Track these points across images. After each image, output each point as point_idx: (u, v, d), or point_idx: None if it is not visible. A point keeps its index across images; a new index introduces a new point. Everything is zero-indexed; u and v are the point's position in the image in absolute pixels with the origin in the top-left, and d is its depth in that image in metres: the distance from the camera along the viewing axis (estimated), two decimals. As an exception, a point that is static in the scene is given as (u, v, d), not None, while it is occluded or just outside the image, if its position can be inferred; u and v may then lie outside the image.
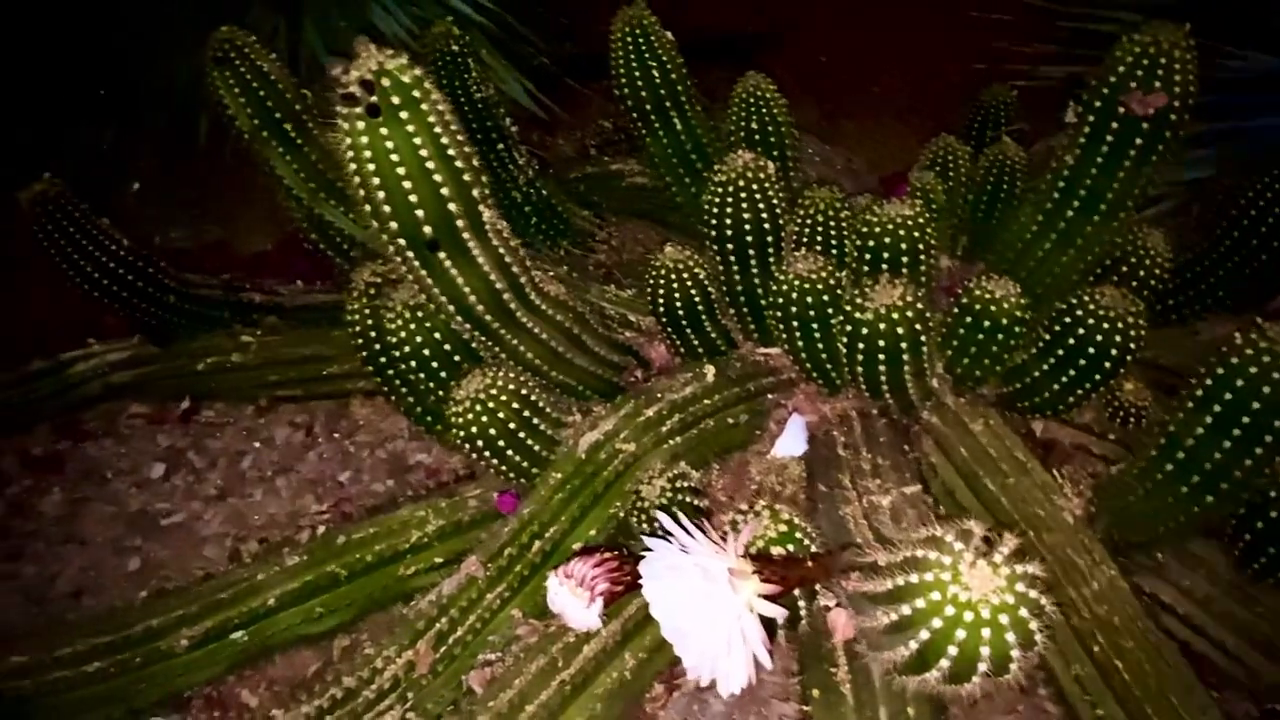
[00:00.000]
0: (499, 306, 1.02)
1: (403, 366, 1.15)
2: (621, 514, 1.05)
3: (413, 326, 1.10)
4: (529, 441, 1.07)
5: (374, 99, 0.83)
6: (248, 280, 1.49)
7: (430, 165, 0.88)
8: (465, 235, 0.93)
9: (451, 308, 1.01)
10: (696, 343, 1.22)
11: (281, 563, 1.08)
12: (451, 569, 1.07)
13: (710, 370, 1.17)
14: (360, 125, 0.85)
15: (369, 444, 1.36)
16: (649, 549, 0.76)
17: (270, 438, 1.37)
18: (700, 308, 1.18)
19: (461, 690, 0.97)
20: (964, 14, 1.71)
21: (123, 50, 1.58)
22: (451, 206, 0.91)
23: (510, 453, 1.06)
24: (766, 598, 0.70)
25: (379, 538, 1.12)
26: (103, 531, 1.25)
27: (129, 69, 1.59)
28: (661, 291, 1.17)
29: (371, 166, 0.87)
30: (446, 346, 1.11)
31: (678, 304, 1.17)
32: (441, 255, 0.94)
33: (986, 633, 0.64)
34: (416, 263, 0.95)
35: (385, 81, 0.84)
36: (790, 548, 0.83)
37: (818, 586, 0.85)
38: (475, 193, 0.92)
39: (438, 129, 0.87)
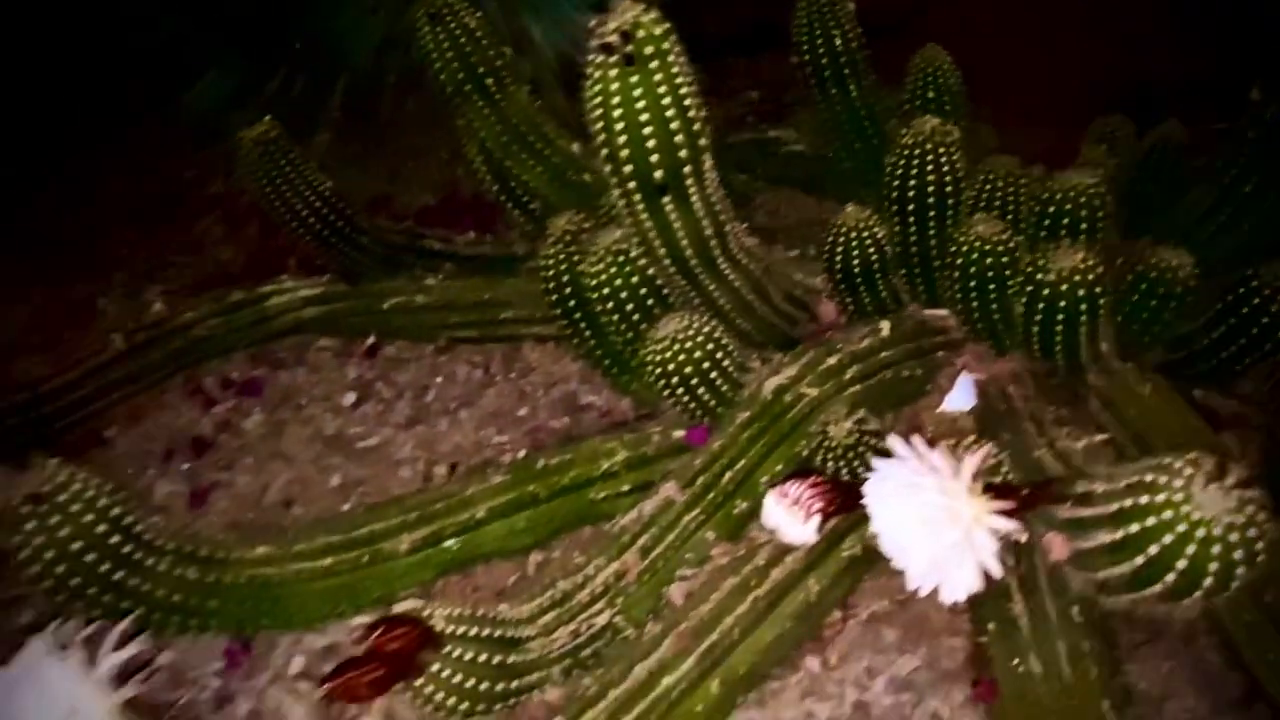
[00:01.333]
0: (705, 252, 1.10)
1: (597, 308, 1.22)
2: (805, 453, 1.12)
3: (613, 270, 1.17)
4: (718, 382, 1.14)
5: (629, 49, 0.91)
6: (426, 229, 1.59)
7: (670, 114, 0.95)
8: (689, 182, 1.01)
9: (663, 251, 1.09)
10: (868, 301, 1.28)
11: (487, 481, 1.17)
12: (637, 497, 1.15)
13: (885, 325, 1.23)
14: (614, 73, 0.93)
15: (542, 384, 1.45)
16: (874, 469, 0.83)
17: (451, 374, 1.47)
18: (876, 266, 1.24)
19: (661, 602, 1.05)
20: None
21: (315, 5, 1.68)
22: (682, 154, 0.98)
23: (700, 391, 1.14)
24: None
25: (572, 464, 1.20)
26: (304, 451, 1.35)
27: (320, 24, 1.69)
28: (840, 249, 1.24)
29: (618, 112, 0.95)
30: (643, 291, 1.18)
31: (855, 262, 1.24)
32: (666, 200, 1.02)
33: (1216, 549, 0.70)
34: (641, 206, 1.02)
35: (640, 33, 0.91)
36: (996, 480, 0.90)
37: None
38: (701, 142, 1.00)
39: (679, 80, 0.95)
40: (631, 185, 1.00)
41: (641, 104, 0.94)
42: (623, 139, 0.96)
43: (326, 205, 1.41)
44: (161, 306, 1.46)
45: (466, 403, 1.43)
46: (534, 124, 1.40)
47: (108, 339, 1.36)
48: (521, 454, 1.29)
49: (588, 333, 1.31)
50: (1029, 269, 1.14)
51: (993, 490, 0.77)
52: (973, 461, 0.77)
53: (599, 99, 0.94)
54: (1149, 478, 0.73)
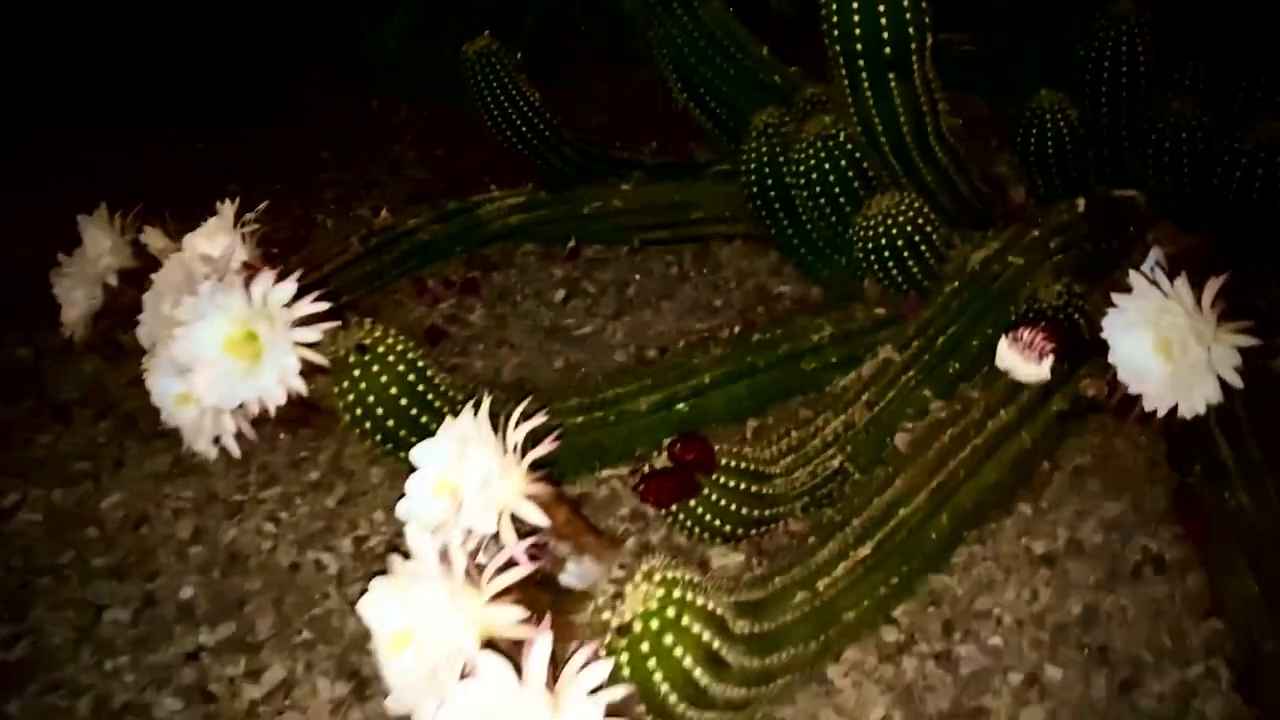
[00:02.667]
0: (919, 129, 1.19)
1: (804, 194, 1.32)
2: (1015, 315, 1.20)
3: (823, 155, 1.27)
4: (926, 255, 1.23)
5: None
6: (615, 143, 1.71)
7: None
8: (913, 58, 1.10)
9: (880, 128, 1.17)
10: (1059, 181, 1.35)
11: (709, 352, 1.28)
12: (845, 369, 1.25)
13: (1081, 202, 1.30)
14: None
15: (734, 278, 1.55)
16: (1114, 304, 0.92)
17: (648, 271, 1.58)
18: (1070, 146, 1.31)
19: (886, 450, 1.15)
20: None
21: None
22: (910, 29, 1.07)
23: (910, 264, 1.23)
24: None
25: (783, 339, 1.30)
26: (526, 339, 1.48)
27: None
28: (1035, 131, 1.31)
29: (853, -8, 1.04)
30: (850, 174, 1.27)
31: (1050, 142, 1.31)
32: (891, 75, 1.11)
33: None
34: (867, 82, 1.11)
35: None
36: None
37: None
38: (927, 19, 1.08)
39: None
40: (861, 62, 1.09)
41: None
42: (856, 15, 1.05)
43: (536, 115, 1.53)
44: (387, 214, 1.59)
45: (666, 295, 1.54)
46: (728, 29, 1.49)
47: (346, 242, 1.49)
48: (736, 330, 1.39)
49: (785, 222, 1.41)
50: (1236, 141, 1.19)
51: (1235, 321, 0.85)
52: (1214, 286, 0.85)
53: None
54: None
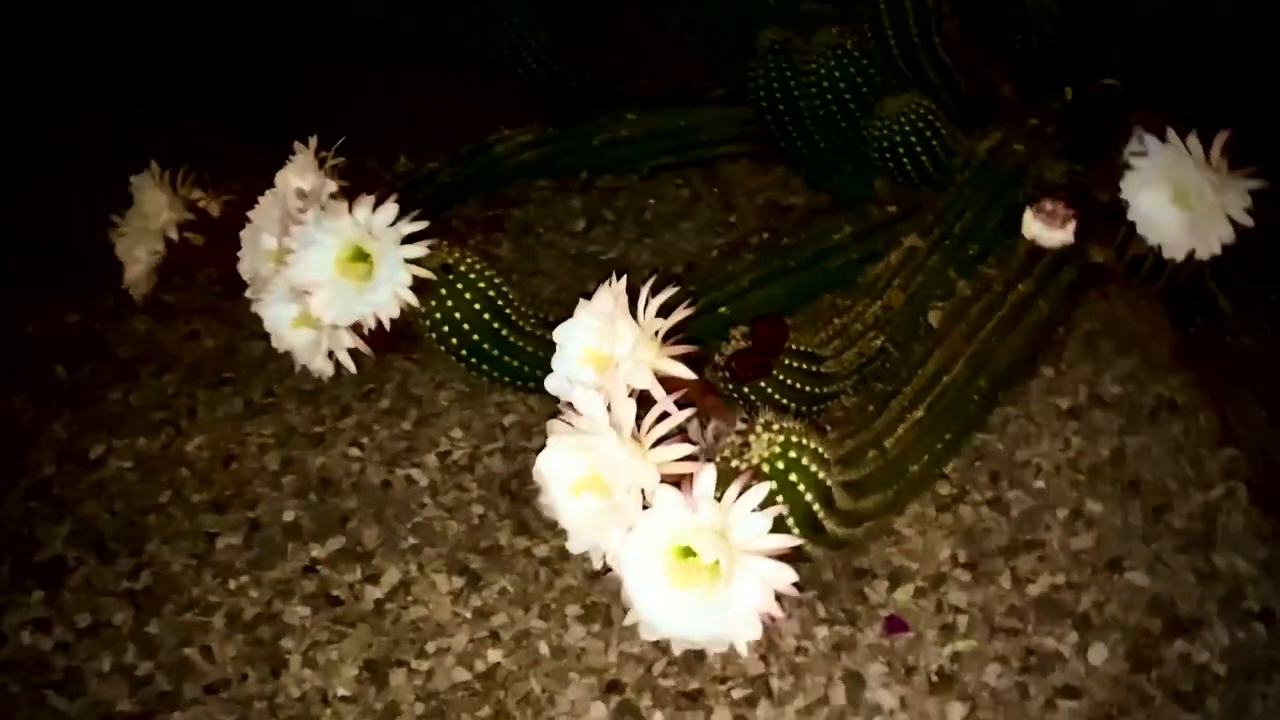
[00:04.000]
0: (925, 30, 1.28)
1: (816, 105, 1.41)
2: (1022, 197, 1.31)
3: (834, 65, 1.36)
4: (937, 149, 1.33)
5: None
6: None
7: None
8: (923, -37, 1.19)
9: (891, 31, 1.27)
10: (1044, 77, 1.46)
11: (741, 260, 1.37)
12: (870, 263, 1.35)
13: (1070, 91, 1.41)
14: None
15: (744, 195, 1.64)
16: (1130, 166, 1.03)
17: (661, 196, 1.66)
18: (1052, 41, 1.42)
19: (921, 327, 1.26)
20: None
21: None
22: (920, -66, 1.16)
23: (924, 159, 1.33)
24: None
25: (808, 242, 1.40)
26: (556, 267, 1.56)
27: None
28: (1020, 30, 1.42)
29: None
30: (859, 79, 1.37)
31: (1034, 39, 1.42)
32: (902, -20, 1.20)
33: None
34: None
35: None
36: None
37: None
38: (933, -74, 1.17)
39: None
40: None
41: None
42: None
43: (546, 53, 1.60)
44: (405, 160, 1.65)
45: (683, 216, 1.63)
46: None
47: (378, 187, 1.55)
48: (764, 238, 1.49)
49: (795, 134, 1.50)
50: (1201, 25, 1.31)
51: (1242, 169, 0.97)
52: (1221, 139, 0.97)
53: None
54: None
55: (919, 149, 1.31)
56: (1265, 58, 1.29)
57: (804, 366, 1.14)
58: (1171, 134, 1.01)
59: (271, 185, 1.12)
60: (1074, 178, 1.27)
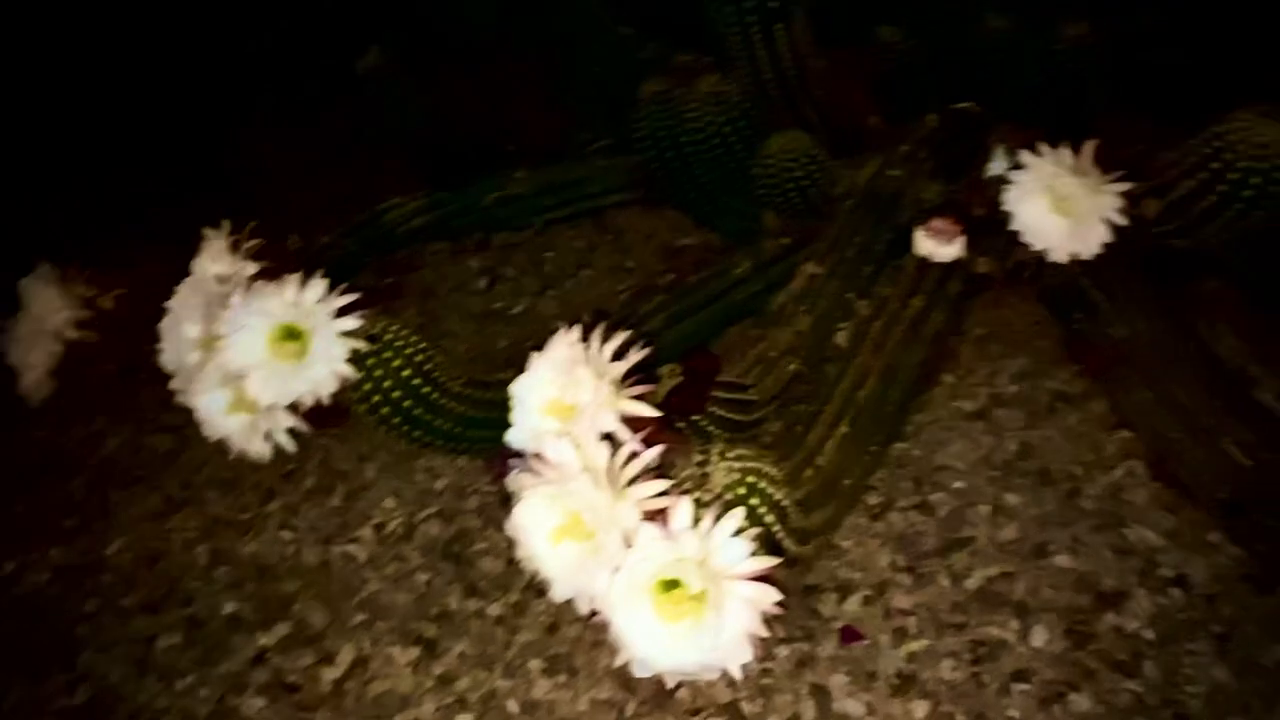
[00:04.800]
0: (800, 70, 1.36)
1: (702, 148, 1.47)
2: (905, 219, 1.40)
3: (716, 108, 1.42)
4: (820, 179, 1.41)
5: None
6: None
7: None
8: (794, 11, 1.27)
9: (770, 75, 1.34)
10: (906, 105, 1.56)
11: (652, 301, 1.41)
12: (769, 294, 1.41)
13: (933, 118, 1.51)
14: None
15: (639, 240, 1.69)
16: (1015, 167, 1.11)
17: (558, 247, 1.70)
18: (912, 71, 1.52)
19: (830, 347, 1.32)
20: None
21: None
22: (788, -20, 1.24)
23: (809, 190, 1.40)
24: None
25: (711, 279, 1.45)
26: (464, 327, 1.57)
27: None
28: (881, 63, 1.51)
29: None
30: (742, 122, 1.43)
31: (895, 69, 1.51)
32: (779, 26, 1.27)
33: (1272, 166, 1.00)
34: (758, 33, 1.28)
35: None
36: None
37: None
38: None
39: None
40: (752, 16, 1.25)
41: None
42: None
43: (433, 121, 1.62)
44: (296, 238, 1.64)
45: (582, 265, 1.67)
46: (593, 15, 1.63)
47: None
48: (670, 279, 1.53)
49: (683, 179, 1.56)
50: (1043, 46, 1.42)
51: (1109, 170, 1.06)
52: (1089, 147, 1.06)
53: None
54: (1218, 129, 1.03)
55: (804, 182, 1.38)
56: (1110, 69, 1.41)
57: (732, 396, 1.18)
58: (1044, 147, 1.10)
59: (155, 271, 1.11)
60: (949, 196, 1.36)
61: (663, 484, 0.75)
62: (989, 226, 1.26)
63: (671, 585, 0.74)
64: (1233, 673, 1.01)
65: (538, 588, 1.13)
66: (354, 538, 1.23)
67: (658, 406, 1.06)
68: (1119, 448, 1.24)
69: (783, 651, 1.06)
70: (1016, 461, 1.24)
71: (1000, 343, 1.40)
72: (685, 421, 1.11)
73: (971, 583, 1.11)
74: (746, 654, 0.73)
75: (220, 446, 1.04)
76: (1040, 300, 1.43)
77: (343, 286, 0.99)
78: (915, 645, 1.06)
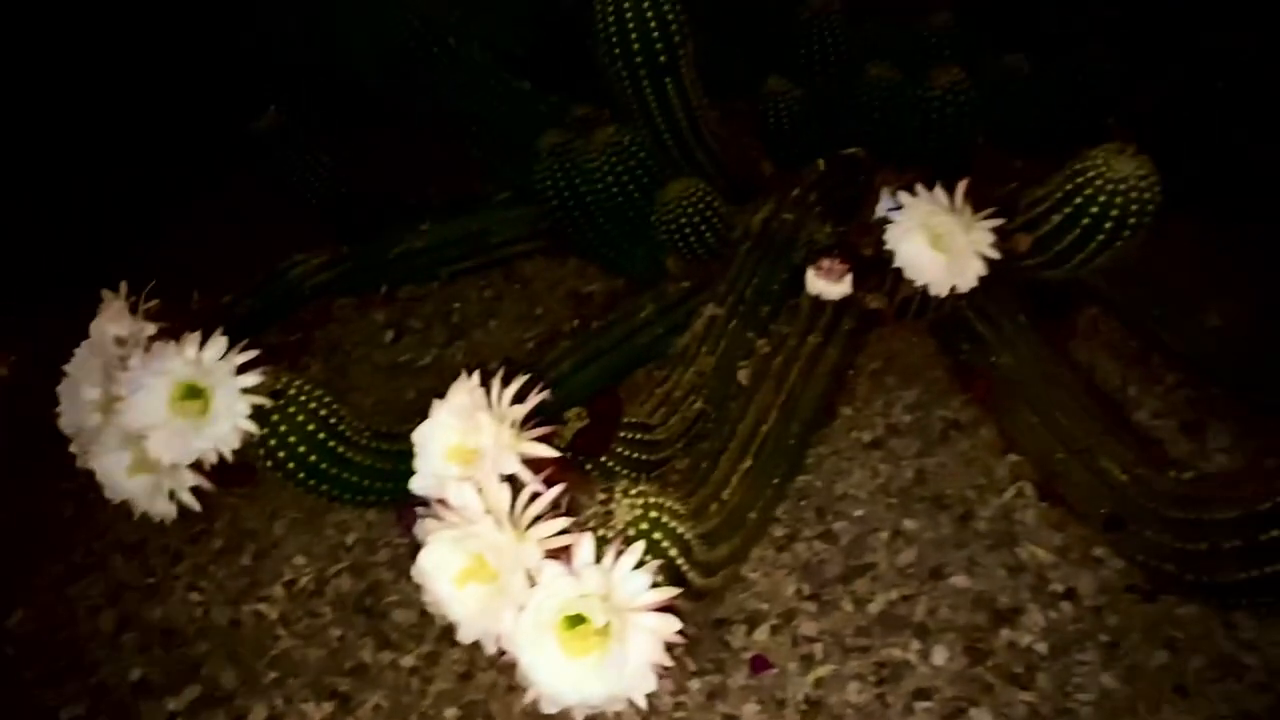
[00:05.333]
0: (693, 123, 1.41)
1: (602, 197, 1.51)
2: (799, 260, 1.45)
3: (614, 158, 1.46)
4: (717, 225, 1.46)
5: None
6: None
7: (665, 10, 1.26)
8: (683, 64, 1.32)
9: (664, 126, 1.39)
10: (796, 150, 1.62)
11: (559, 347, 1.44)
12: (673, 336, 1.45)
13: (821, 163, 1.58)
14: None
15: (545, 288, 1.72)
16: (898, 208, 1.17)
17: (465, 298, 1.72)
18: (801, 120, 1.59)
19: (732, 386, 1.36)
20: None
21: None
22: (677, 39, 1.29)
23: (707, 234, 1.45)
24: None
25: (616, 323, 1.49)
26: (371, 380, 1.57)
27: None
28: (771, 112, 1.58)
29: (630, 14, 1.25)
30: (639, 171, 1.48)
31: (785, 120, 1.58)
32: (667, 79, 1.33)
33: (1134, 195, 1.07)
34: (649, 87, 1.33)
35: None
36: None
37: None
38: (687, 31, 1.31)
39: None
40: (642, 71, 1.30)
41: (648, 4, 1.25)
42: (634, 32, 1.26)
43: (333, 175, 1.64)
44: (199, 297, 1.63)
45: (489, 315, 1.69)
46: (492, 72, 1.67)
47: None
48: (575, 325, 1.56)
49: (585, 227, 1.60)
50: (921, 90, 1.50)
51: (982, 207, 1.13)
52: (962, 187, 1.13)
53: (614, 7, 1.24)
54: (1078, 166, 1.10)
55: (702, 227, 1.42)
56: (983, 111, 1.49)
57: (638, 437, 1.21)
58: (920, 188, 1.16)
59: (53, 335, 1.10)
60: (839, 237, 1.42)
61: (564, 522, 0.77)
62: (877, 265, 1.32)
63: (577, 621, 0.76)
64: (1120, 679, 1.06)
65: (451, 637, 1.14)
66: (264, 596, 1.22)
67: (564, 450, 1.09)
68: (1009, 471, 1.30)
69: (695, 684, 1.08)
70: (913, 488, 1.29)
71: (895, 375, 1.46)
72: (593, 463, 1.14)
73: (874, 607, 1.15)
74: (651, 683, 0.75)
75: (124, 510, 1.04)
76: (931, 333, 1.49)
77: (243, 343, 1.00)
78: (822, 670, 1.09)
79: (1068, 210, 1.11)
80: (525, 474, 0.81)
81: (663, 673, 0.75)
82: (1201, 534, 1.03)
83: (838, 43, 1.56)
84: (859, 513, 1.27)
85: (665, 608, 0.77)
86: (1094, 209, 1.09)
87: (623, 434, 1.17)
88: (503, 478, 0.80)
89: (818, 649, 1.11)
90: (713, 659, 1.11)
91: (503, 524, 0.76)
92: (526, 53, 1.99)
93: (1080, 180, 1.09)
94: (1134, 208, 1.08)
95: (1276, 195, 1.41)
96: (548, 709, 0.76)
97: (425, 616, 1.17)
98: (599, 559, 0.77)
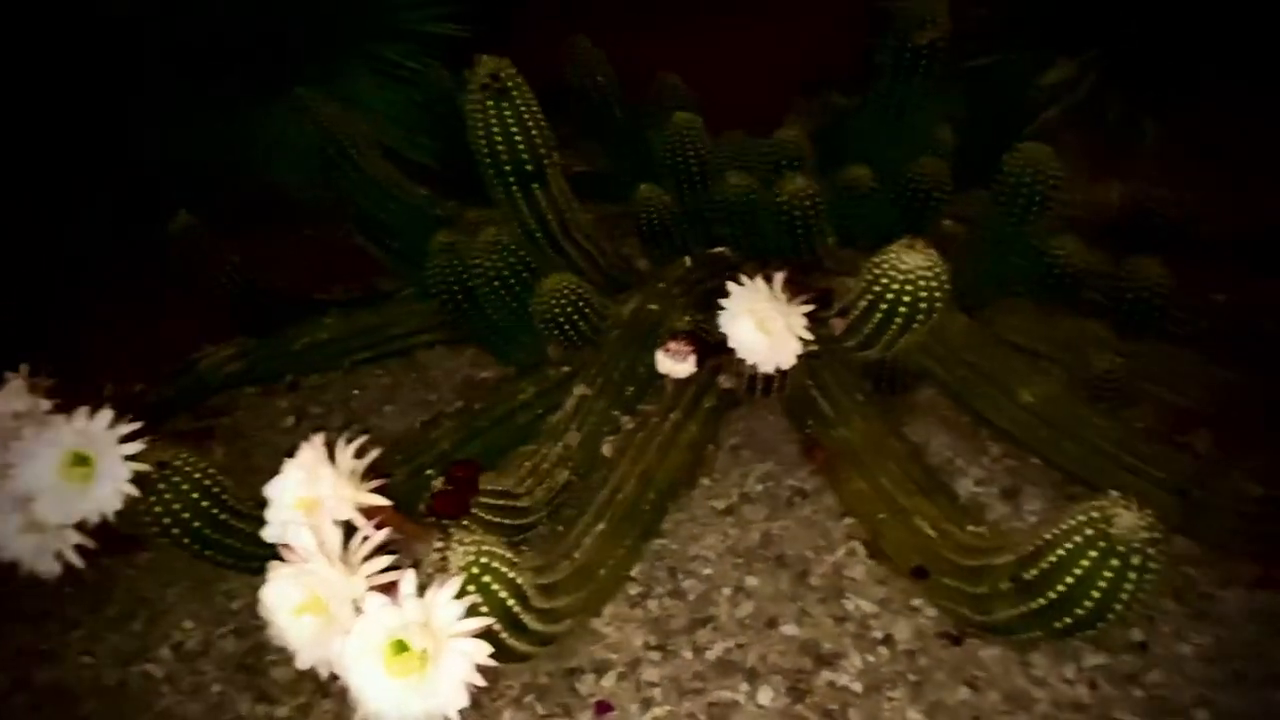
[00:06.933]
0: (563, 224, 1.58)
1: (485, 291, 1.66)
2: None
3: (495, 258, 1.62)
4: (590, 316, 1.61)
5: (499, 85, 1.38)
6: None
7: (529, 123, 1.43)
8: (549, 171, 1.49)
9: (536, 227, 1.55)
10: (667, 248, 1.79)
11: (442, 426, 1.57)
12: (548, 415, 1.59)
13: (688, 260, 1.75)
14: (490, 102, 1.40)
15: (441, 376, 1.85)
16: (724, 306, 1.33)
17: (365, 386, 1.84)
18: (670, 222, 1.77)
19: (598, 457, 1.49)
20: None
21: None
22: (542, 150, 1.46)
23: (580, 324, 1.60)
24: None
25: (497, 404, 1.62)
26: (269, 462, 1.62)
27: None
28: (644, 214, 1.75)
29: (496, 127, 1.42)
30: (519, 268, 1.63)
31: (655, 220, 1.75)
32: (536, 186, 1.49)
33: (923, 284, 1.24)
34: (520, 193, 1.49)
35: (503, 74, 1.39)
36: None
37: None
38: (552, 142, 1.48)
39: (531, 102, 1.43)
40: (512, 179, 1.46)
41: (511, 119, 1.41)
42: (501, 143, 1.43)
43: (240, 274, 1.77)
44: (110, 387, 1.74)
45: (386, 401, 1.81)
46: (393, 180, 1.83)
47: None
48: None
49: (475, 319, 1.74)
50: (772, 197, 1.68)
51: (797, 296, 1.29)
52: (779, 277, 1.29)
53: (482, 120, 1.41)
54: (875, 259, 1.26)
55: (575, 316, 1.57)
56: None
57: (502, 504, 1.33)
58: (744, 277, 1.32)
59: None
60: (698, 325, 1.58)
61: (389, 559, 0.89)
62: (725, 349, 1.48)
63: (401, 647, 0.87)
64: (923, 713, 1.18)
65: (324, 690, 1.25)
66: (152, 657, 1.31)
67: (426, 512, 1.21)
68: (844, 532, 1.43)
69: (542, 726, 1.19)
70: (758, 549, 1.42)
71: (751, 449, 1.60)
72: (454, 525, 1.26)
73: (712, 654, 1.27)
74: (464, 700, 0.86)
75: (34, 581, 1.13)
76: (785, 411, 1.64)
77: (128, 416, 1.11)
78: (659, 711, 1.20)
79: (870, 297, 1.27)
80: (358, 519, 0.93)
81: (475, 691, 0.87)
82: (982, 577, 1.17)
83: (699, 153, 1.74)
84: (708, 571, 1.39)
85: (481, 634, 0.88)
86: (890, 296, 1.25)
87: (484, 499, 1.30)
88: (341, 523, 0.93)
89: (657, 693, 1.22)
90: (561, 703, 1.22)
91: (334, 561, 0.88)
92: (433, 162, 2.17)
93: (877, 272, 1.25)
94: (923, 294, 1.24)
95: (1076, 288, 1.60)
96: (374, 727, 0.87)
97: (303, 673, 1.26)
98: (421, 592, 0.88)
